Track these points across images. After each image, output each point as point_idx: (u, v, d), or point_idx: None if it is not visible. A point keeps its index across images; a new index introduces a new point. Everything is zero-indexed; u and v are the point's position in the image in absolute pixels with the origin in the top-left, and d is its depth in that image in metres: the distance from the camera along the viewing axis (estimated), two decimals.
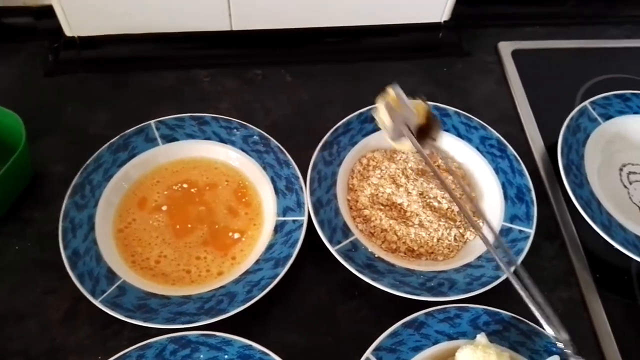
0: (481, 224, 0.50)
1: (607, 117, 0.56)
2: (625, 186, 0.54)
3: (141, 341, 0.40)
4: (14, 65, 0.59)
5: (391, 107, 0.43)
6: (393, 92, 0.43)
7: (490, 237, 0.47)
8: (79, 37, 0.59)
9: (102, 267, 0.44)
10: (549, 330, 0.39)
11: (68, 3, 0.55)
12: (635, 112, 0.57)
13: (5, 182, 0.46)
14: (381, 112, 0.44)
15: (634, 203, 0.53)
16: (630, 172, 0.55)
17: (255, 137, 0.52)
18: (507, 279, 0.44)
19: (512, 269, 0.43)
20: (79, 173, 0.48)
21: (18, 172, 0.48)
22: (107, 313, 0.41)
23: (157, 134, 0.51)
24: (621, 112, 0.57)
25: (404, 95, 0.43)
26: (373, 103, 0.54)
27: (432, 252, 0.48)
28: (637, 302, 0.47)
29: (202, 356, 0.40)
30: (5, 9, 0.59)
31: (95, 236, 0.45)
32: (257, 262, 0.45)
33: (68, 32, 0.58)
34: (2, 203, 0.48)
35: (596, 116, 0.56)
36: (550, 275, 0.48)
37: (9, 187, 0.48)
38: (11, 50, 0.60)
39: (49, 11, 0.56)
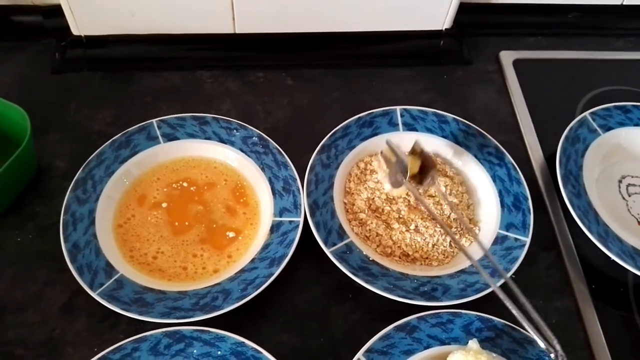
0: (477, 231, 0.50)
1: (607, 128, 0.56)
2: (624, 198, 0.54)
3: (137, 334, 0.40)
4: (21, 62, 0.60)
5: (387, 158, 0.48)
6: (388, 147, 0.48)
7: (480, 252, 0.47)
8: (85, 36, 0.60)
9: (101, 260, 0.45)
10: (539, 342, 0.39)
11: (76, 3, 0.56)
12: (636, 124, 0.57)
13: (9, 175, 0.47)
14: (379, 163, 0.49)
15: (633, 215, 0.53)
16: (629, 184, 0.55)
17: (254, 138, 0.52)
18: (500, 287, 0.44)
19: (502, 281, 0.44)
20: (81, 168, 0.49)
21: (22, 166, 0.48)
22: (104, 306, 0.42)
23: (158, 132, 0.52)
24: (621, 124, 0.57)
25: (397, 149, 0.47)
26: (372, 108, 0.55)
27: (427, 258, 0.48)
28: (632, 314, 0.47)
29: (195, 351, 0.40)
30: (15, 7, 0.60)
31: (95, 230, 0.46)
32: (252, 260, 0.45)
33: (75, 31, 0.59)
34: (6, 196, 0.49)
35: (596, 127, 0.56)
36: (546, 285, 0.48)
37: (13, 180, 0.48)
38: (19, 47, 0.61)
39: (57, 10, 0.57)
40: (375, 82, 0.61)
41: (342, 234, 0.47)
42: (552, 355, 0.39)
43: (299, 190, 0.49)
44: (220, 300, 0.43)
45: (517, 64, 0.64)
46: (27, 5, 0.60)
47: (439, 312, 0.43)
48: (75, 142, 0.54)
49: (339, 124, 0.53)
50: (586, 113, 0.56)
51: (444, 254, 0.48)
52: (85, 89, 0.59)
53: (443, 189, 0.50)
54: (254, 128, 0.53)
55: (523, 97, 0.61)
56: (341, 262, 0.45)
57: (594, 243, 0.47)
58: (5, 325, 0.43)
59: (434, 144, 0.54)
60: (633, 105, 0.58)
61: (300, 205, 0.48)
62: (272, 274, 0.44)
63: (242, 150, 0.52)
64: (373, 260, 0.46)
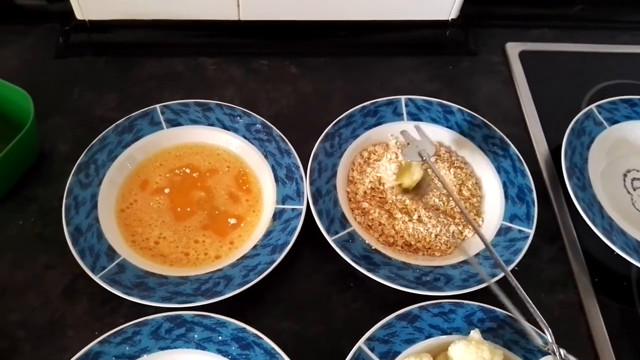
0: (480, 222, 0.50)
1: (613, 121, 0.56)
2: (628, 192, 0.54)
3: (138, 318, 0.40)
4: (25, 46, 0.60)
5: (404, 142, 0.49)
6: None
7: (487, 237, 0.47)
8: (89, 20, 0.59)
9: (103, 244, 0.45)
10: (533, 336, 0.40)
11: None
12: None
13: (12, 158, 0.46)
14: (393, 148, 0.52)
15: (637, 209, 0.53)
16: (634, 178, 0.55)
17: (258, 125, 0.52)
18: (502, 277, 0.44)
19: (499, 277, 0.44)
20: (84, 152, 0.49)
21: (25, 149, 0.48)
22: (106, 290, 0.42)
23: (162, 118, 0.52)
24: (628, 117, 0.57)
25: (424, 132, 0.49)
26: (377, 98, 0.55)
27: (429, 248, 0.48)
28: (635, 308, 0.47)
29: (196, 336, 0.40)
30: None
31: (97, 214, 0.46)
32: (254, 247, 0.45)
33: (79, 16, 0.59)
34: (8, 179, 0.49)
35: (602, 120, 0.56)
36: (549, 277, 0.48)
37: (15, 163, 0.48)
38: (23, 31, 0.61)
39: None
40: (380, 72, 0.61)
41: (344, 223, 0.47)
42: (549, 349, 0.39)
43: (301, 178, 0.49)
44: (221, 286, 0.43)
45: (523, 55, 0.64)
46: None
47: (441, 302, 0.43)
48: (78, 127, 0.54)
49: (343, 113, 0.53)
50: (592, 106, 0.56)
51: (446, 244, 0.48)
52: (88, 73, 0.58)
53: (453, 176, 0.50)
54: (258, 115, 0.53)
55: (529, 89, 0.61)
56: (343, 250, 0.45)
57: (597, 236, 0.47)
58: (6, 307, 0.44)
59: (439, 134, 0.54)
60: (639, 99, 0.58)
61: (303, 193, 0.48)
62: (273, 261, 0.44)
63: (245, 137, 0.52)
64: (375, 250, 0.46)
